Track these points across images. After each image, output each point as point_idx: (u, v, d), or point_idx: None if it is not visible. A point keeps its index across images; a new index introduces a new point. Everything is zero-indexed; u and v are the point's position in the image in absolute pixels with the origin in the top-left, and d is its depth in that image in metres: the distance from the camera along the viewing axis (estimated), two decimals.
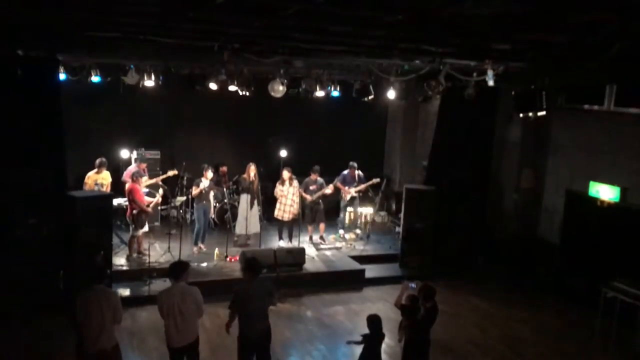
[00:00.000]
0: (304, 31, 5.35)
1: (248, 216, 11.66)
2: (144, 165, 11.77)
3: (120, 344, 6.14)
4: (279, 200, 11.89)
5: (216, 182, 12.81)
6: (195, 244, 11.45)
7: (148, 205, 10.68)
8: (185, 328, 6.02)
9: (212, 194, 11.65)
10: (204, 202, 11.35)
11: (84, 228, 8.89)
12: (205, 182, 11.22)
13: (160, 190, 11.22)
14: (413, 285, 6.73)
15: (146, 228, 10.79)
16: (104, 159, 11.55)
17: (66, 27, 6.24)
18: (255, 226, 11.78)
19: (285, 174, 11.85)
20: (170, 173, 12.10)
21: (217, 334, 8.28)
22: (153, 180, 11.66)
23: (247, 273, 6.39)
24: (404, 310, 6.57)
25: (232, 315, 6.29)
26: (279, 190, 11.89)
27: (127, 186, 10.96)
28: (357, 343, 6.57)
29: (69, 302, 7.08)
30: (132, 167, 11.92)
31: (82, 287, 6.08)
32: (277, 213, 11.92)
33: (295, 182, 11.92)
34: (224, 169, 12.90)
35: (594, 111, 10.56)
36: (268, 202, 13.87)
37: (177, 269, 6.15)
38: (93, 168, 11.41)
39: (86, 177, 11.31)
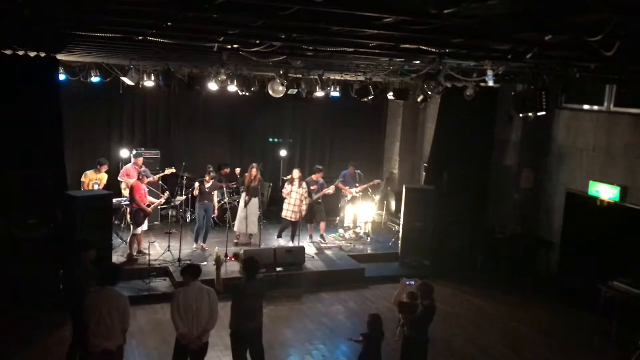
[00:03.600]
0: (304, 31, 5.35)
1: (244, 215, 11.70)
2: (140, 161, 11.75)
3: None
4: (286, 200, 11.89)
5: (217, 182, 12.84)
6: (196, 241, 11.53)
7: (149, 206, 10.67)
8: (200, 327, 6.06)
9: (215, 194, 11.66)
10: (206, 202, 11.37)
11: (82, 227, 8.90)
12: (206, 184, 11.27)
13: (167, 193, 11.18)
14: (412, 282, 6.74)
15: (145, 227, 10.78)
16: (104, 159, 11.57)
17: (66, 27, 6.24)
18: (251, 226, 11.81)
19: (296, 173, 11.85)
20: (168, 171, 12.10)
21: (216, 332, 8.28)
22: (151, 178, 11.63)
23: (245, 272, 6.49)
24: (403, 308, 6.58)
25: (220, 291, 6.42)
26: (287, 190, 11.91)
27: (130, 184, 10.99)
28: (358, 342, 6.59)
29: (68, 301, 7.10)
30: (129, 166, 11.92)
31: (93, 287, 6.17)
32: (285, 213, 11.88)
33: (305, 184, 11.92)
34: (226, 170, 12.91)
35: (594, 111, 10.57)
36: (268, 202, 13.90)
37: (194, 270, 6.25)
38: (92, 168, 11.41)
39: (83, 175, 11.30)
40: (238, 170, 12.87)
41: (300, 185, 11.79)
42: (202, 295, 6.06)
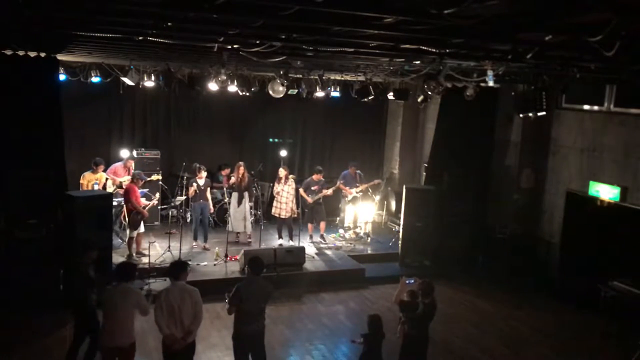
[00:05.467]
0: (304, 31, 5.35)
1: (236, 214, 11.73)
2: (130, 163, 11.71)
3: None
4: (275, 199, 11.95)
5: (217, 182, 12.82)
6: (195, 239, 11.56)
7: (144, 207, 10.66)
8: (183, 329, 5.99)
9: (208, 191, 11.64)
10: (200, 200, 11.36)
11: (82, 227, 8.90)
12: (199, 182, 11.25)
13: (157, 194, 11.16)
14: (411, 281, 6.74)
15: (142, 229, 10.75)
16: (100, 159, 11.56)
17: (66, 27, 6.24)
18: (247, 225, 11.83)
19: (281, 171, 11.88)
20: (154, 177, 12.03)
21: (217, 332, 8.30)
22: (144, 180, 11.61)
23: (249, 271, 6.44)
24: (403, 307, 6.58)
25: (230, 309, 6.35)
26: (274, 188, 11.96)
27: (124, 186, 10.97)
28: (360, 343, 6.58)
29: (69, 301, 7.11)
30: (118, 165, 11.89)
31: (108, 284, 6.29)
32: (274, 211, 12.01)
33: (291, 181, 11.94)
34: (227, 170, 12.91)
35: (594, 111, 10.57)
36: (268, 202, 13.89)
37: (176, 269, 6.18)
38: (90, 169, 11.40)
39: (81, 177, 11.28)
40: (227, 171, 12.77)
41: (286, 183, 11.82)
42: (184, 296, 5.97)
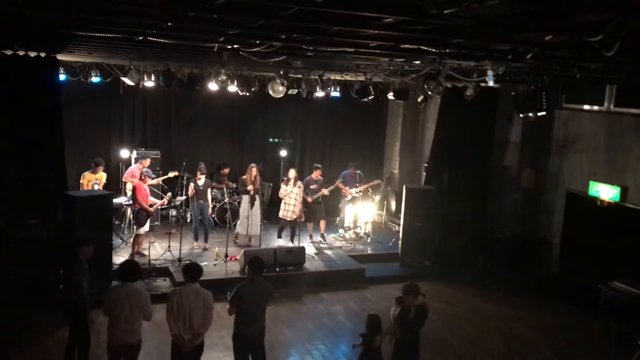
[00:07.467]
0: (304, 31, 5.35)
1: (249, 216, 11.68)
2: (147, 162, 11.71)
3: None
4: (283, 200, 11.89)
5: (217, 182, 12.81)
6: (195, 239, 11.54)
7: (151, 206, 10.66)
8: (192, 331, 6.02)
9: (209, 192, 11.63)
10: (201, 200, 11.34)
11: (82, 227, 8.89)
12: (199, 182, 11.25)
13: (169, 194, 11.16)
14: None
15: (147, 228, 10.76)
16: (100, 159, 11.56)
17: (66, 27, 6.24)
18: (256, 228, 11.79)
19: (291, 173, 11.84)
20: (171, 174, 12.07)
21: (217, 331, 8.29)
22: (154, 181, 11.63)
23: (249, 272, 6.45)
24: (399, 317, 6.48)
25: (231, 310, 6.36)
26: (283, 190, 11.90)
27: (132, 184, 10.99)
28: (360, 345, 6.54)
29: (66, 301, 7.09)
30: (134, 167, 11.89)
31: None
32: (282, 213, 11.88)
33: (300, 183, 11.92)
34: (226, 170, 12.90)
35: (594, 111, 10.57)
36: (268, 202, 13.90)
37: (193, 271, 6.19)
38: (90, 168, 11.40)
39: (82, 177, 11.29)
40: (226, 170, 12.70)
41: (295, 185, 11.79)
42: (197, 299, 5.98)
